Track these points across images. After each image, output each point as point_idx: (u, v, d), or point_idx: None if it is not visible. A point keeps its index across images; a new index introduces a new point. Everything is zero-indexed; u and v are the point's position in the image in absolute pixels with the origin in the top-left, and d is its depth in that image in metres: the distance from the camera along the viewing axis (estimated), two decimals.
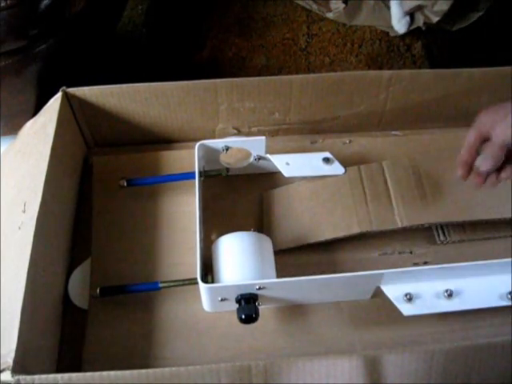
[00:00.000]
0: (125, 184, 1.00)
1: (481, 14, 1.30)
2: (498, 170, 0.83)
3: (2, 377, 0.69)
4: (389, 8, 1.41)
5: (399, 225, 0.93)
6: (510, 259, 0.83)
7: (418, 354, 0.72)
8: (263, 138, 0.98)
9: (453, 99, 1.10)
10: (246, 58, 1.41)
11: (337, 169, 1.00)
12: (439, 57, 1.35)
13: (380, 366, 0.71)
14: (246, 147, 1.00)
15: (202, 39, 1.45)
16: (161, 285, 0.88)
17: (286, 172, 0.99)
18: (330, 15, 1.47)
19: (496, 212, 0.95)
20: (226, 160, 1.02)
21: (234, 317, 0.82)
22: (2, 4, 0.91)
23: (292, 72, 1.38)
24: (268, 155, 1.00)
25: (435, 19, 1.32)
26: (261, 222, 0.99)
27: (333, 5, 1.45)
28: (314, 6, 1.48)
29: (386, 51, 1.41)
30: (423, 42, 1.37)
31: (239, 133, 1.12)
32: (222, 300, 0.83)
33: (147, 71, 1.30)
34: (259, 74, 1.38)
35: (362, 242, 0.96)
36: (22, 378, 0.68)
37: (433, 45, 1.36)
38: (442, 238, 0.97)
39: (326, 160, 1.00)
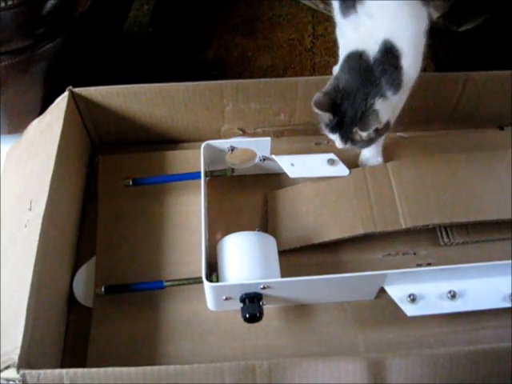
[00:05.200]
0: (130, 183, 1.01)
1: (487, 15, 1.30)
2: None
3: (6, 373, 0.69)
4: None
5: (403, 226, 0.94)
6: None
7: (422, 358, 0.72)
8: (268, 138, 0.98)
9: (457, 101, 1.10)
10: (251, 58, 1.42)
11: (341, 170, 1.00)
12: (444, 58, 1.35)
13: (384, 369, 0.71)
14: (251, 148, 1.00)
15: (208, 39, 1.45)
16: (165, 283, 0.89)
17: (291, 173, 0.99)
18: None
19: (500, 213, 0.95)
20: (231, 160, 1.03)
21: (238, 316, 0.82)
22: (9, 2, 0.92)
23: (297, 72, 1.38)
24: (273, 156, 1.01)
25: (436, 15, 1.32)
26: (265, 222, 1.00)
27: None
28: (321, 6, 1.48)
29: None
30: (429, 43, 1.37)
31: (244, 133, 1.12)
32: (226, 299, 0.84)
33: (153, 70, 1.30)
34: (264, 74, 1.38)
35: (365, 243, 0.97)
36: (27, 372, 0.69)
37: (438, 46, 1.35)
38: (445, 239, 0.97)
39: (331, 161, 1.00)
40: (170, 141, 1.13)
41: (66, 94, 1.01)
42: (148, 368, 0.70)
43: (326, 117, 0.89)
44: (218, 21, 1.49)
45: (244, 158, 1.03)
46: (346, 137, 0.89)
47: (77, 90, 1.02)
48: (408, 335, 0.87)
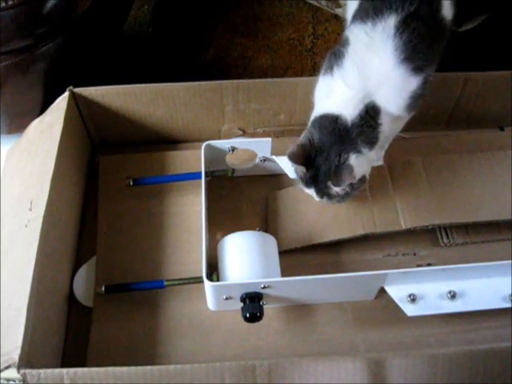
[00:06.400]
0: (131, 183, 1.01)
1: (487, 15, 1.30)
2: None
3: (7, 373, 0.69)
4: None
5: (403, 227, 0.94)
6: None
7: (422, 358, 0.72)
8: (269, 139, 0.98)
9: (457, 101, 1.10)
10: (251, 58, 1.42)
11: None
12: (444, 58, 1.35)
13: (384, 369, 0.71)
14: (251, 148, 1.00)
15: (208, 39, 1.45)
16: (166, 283, 0.89)
17: (292, 173, 0.99)
18: (339, 11, 1.46)
19: (500, 213, 0.96)
20: (231, 161, 1.03)
21: (239, 316, 0.82)
22: (9, 2, 0.92)
23: (297, 72, 1.38)
24: (273, 157, 1.01)
25: None
26: (266, 222, 1.00)
27: (342, 0, 1.44)
28: (323, 2, 1.47)
29: None
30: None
31: (244, 134, 1.12)
32: (226, 299, 0.84)
33: (153, 70, 1.31)
34: (264, 74, 1.38)
35: (366, 244, 0.97)
36: (28, 372, 0.69)
37: None
38: (445, 240, 0.97)
39: None
40: (170, 141, 1.13)
41: (66, 94, 1.01)
42: (148, 368, 0.70)
43: (300, 170, 0.88)
44: (217, 21, 1.49)
45: (244, 158, 1.03)
46: (322, 191, 0.89)
47: (77, 90, 1.02)
48: (408, 335, 0.87)
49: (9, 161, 1.07)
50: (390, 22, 0.81)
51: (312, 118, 0.89)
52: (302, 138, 0.87)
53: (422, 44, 0.81)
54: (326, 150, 0.84)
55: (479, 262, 0.85)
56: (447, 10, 0.85)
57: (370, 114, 0.83)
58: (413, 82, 0.83)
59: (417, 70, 0.82)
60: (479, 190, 0.98)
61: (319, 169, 0.86)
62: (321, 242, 0.94)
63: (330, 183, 0.86)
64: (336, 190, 0.86)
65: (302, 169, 0.87)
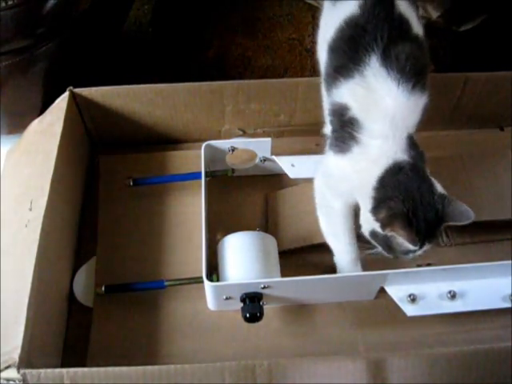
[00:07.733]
0: (131, 183, 1.01)
1: (486, 15, 1.30)
2: None
3: (7, 373, 0.70)
4: None
5: None
6: None
7: (422, 358, 0.72)
8: (269, 139, 0.99)
9: (457, 102, 1.10)
10: (251, 58, 1.42)
11: None
12: (445, 58, 1.35)
13: (384, 369, 0.71)
14: (251, 148, 1.00)
15: (208, 39, 1.45)
16: (166, 283, 0.89)
17: (292, 173, 0.99)
18: None
19: (500, 213, 0.96)
20: (231, 161, 1.03)
21: (239, 316, 0.82)
22: (9, 2, 0.92)
23: (297, 72, 1.38)
24: (273, 157, 1.01)
25: (435, 15, 1.32)
26: (266, 222, 1.00)
27: None
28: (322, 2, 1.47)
29: None
30: (429, 43, 1.37)
31: (244, 134, 1.12)
32: (226, 299, 0.84)
33: (153, 70, 1.31)
34: (264, 74, 1.38)
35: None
36: (28, 371, 0.69)
37: (438, 46, 1.35)
38: (445, 240, 0.97)
39: None
40: (170, 141, 1.13)
41: (66, 94, 1.01)
42: (148, 368, 0.70)
43: (412, 238, 0.77)
44: (218, 21, 1.49)
45: (244, 158, 1.03)
46: (436, 238, 0.81)
47: (77, 90, 1.02)
48: (408, 335, 0.87)
49: (9, 161, 1.07)
50: (374, 62, 0.79)
51: (371, 192, 0.81)
52: (387, 218, 0.78)
53: (414, 61, 0.79)
54: (418, 202, 0.78)
55: (479, 262, 0.85)
56: (417, 27, 0.84)
57: (413, 141, 0.81)
58: (423, 99, 0.82)
59: (423, 87, 0.81)
60: (479, 190, 0.98)
61: (426, 225, 0.78)
62: (321, 241, 0.94)
63: (445, 223, 0.79)
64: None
65: (415, 240, 0.78)
